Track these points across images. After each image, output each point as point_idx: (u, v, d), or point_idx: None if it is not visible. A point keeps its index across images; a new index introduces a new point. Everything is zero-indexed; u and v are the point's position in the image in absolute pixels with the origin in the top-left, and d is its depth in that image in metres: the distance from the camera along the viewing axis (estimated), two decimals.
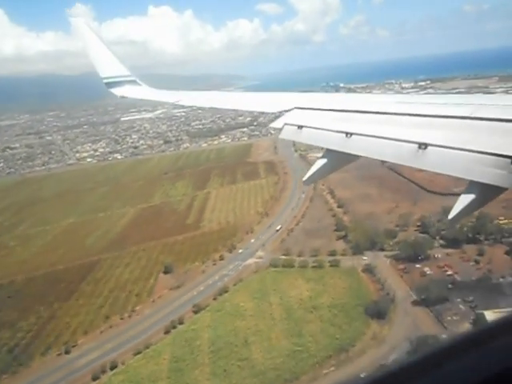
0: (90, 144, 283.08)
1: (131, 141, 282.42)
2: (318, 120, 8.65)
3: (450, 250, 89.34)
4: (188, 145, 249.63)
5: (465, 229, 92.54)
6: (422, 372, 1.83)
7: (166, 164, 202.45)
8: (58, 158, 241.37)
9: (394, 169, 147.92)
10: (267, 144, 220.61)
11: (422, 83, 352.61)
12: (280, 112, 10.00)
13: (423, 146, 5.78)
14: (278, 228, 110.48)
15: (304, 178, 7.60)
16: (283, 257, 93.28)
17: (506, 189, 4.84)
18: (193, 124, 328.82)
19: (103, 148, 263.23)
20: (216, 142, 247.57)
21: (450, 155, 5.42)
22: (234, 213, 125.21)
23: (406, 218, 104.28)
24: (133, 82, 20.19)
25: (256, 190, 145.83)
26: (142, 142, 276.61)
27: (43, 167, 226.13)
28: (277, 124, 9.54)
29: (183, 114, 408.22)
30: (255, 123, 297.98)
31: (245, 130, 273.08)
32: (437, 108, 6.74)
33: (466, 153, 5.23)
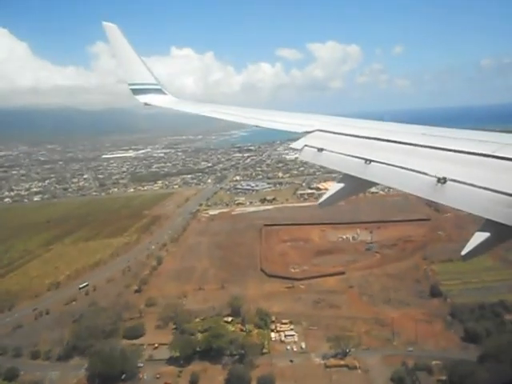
0: (36, 182, 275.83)
1: (74, 181, 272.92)
2: (338, 144, 8.52)
3: (170, 368, 66.68)
4: (116, 189, 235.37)
5: (199, 337, 69.97)
6: None
7: (65, 210, 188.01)
8: None
9: (270, 236, 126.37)
10: (188, 194, 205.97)
11: None
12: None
13: (442, 180, 5.71)
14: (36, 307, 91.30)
15: (319, 202, 7.42)
16: None
17: None
18: (154, 166, 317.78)
19: (38, 187, 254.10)
20: (145, 188, 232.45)
21: (468, 192, 5.33)
22: (31, 281, 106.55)
23: (177, 310, 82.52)
24: (159, 90, 19.80)
25: (98, 250, 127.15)
26: (82, 183, 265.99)
27: None
28: (297, 145, 9.39)
29: (162, 155, 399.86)
30: (207, 170, 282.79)
31: (188, 176, 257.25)
32: (460, 143, 6.47)
33: (485, 191, 5.14)
